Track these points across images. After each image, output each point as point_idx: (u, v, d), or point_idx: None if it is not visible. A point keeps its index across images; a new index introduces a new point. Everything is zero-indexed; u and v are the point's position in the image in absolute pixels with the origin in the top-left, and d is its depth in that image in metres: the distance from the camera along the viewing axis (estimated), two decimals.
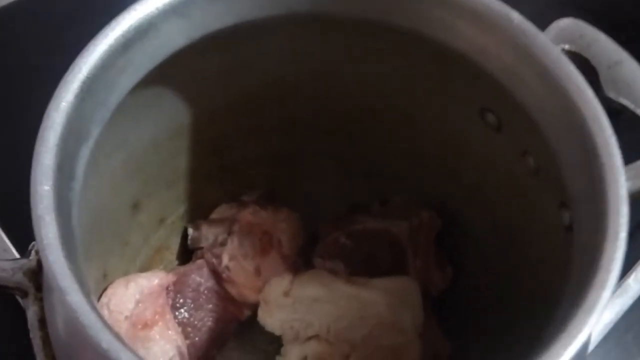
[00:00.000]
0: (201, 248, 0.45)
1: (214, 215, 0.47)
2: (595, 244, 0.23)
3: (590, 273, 0.22)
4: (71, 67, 0.25)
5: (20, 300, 0.29)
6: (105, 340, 0.19)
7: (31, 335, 0.28)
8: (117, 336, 0.20)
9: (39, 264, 0.29)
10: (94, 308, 0.20)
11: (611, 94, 0.32)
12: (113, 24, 0.27)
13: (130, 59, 0.28)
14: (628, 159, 0.32)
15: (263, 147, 0.45)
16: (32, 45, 0.61)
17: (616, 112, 0.32)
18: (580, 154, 0.26)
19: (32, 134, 0.56)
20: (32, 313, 0.28)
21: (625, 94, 0.31)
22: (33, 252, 0.29)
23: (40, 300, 0.28)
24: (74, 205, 0.24)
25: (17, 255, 0.45)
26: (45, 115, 0.24)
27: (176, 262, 0.47)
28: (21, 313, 0.45)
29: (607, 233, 0.23)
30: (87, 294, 0.21)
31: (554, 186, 0.31)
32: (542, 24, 0.33)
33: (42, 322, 0.27)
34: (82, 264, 0.23)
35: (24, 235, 0.48)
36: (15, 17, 0.63)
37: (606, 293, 0.22)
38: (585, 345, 0.25)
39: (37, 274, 0.29)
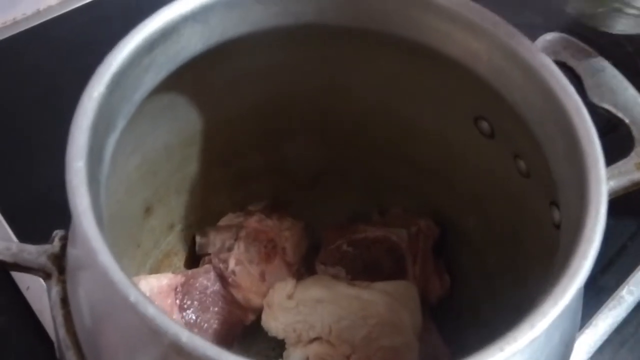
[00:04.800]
0: (208, 254, 0.47)
1: (221, 223, 0.49)
2: (577, 224, 0.25)
3: (573, 247, 0.24)
4: (103, 62, 0.28)
5: (43, 281, 0.31)
6: (133, 294, 0.21)
7: (53, 313, 0.30)
8: (144, 294, 0.22)
9: (62, 249, 0.31)
10: (122, 268, 0.22)
11: (595, 100, 0.34)
12: (140, 26, 0.29)
13: (154, 59, 0.30)
14: (611, 160, 0.35)
15: (268, 157, 0.47)
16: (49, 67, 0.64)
17: (600, 117, 0.34)
18: (565, 147, 0.28)
19: (33, 135, 0.59)
20: (54, 293, 0.30)
21: (607, 99, 0.34)
22: (56, 239, 0.32)
23: (62, 282, 0.30)
24: (101, 185, 0.27)
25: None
26: (79, 103, 0.26)
27: (184, 269, 0.49)
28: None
29: (589, 209, 0.25)
30: (114, 256, 0.23)
31: (545, 185, 0.34)
32: (531, 39, 0.36)
33: (64, 301, 0.29)
34: (108, 235, 0.25)
35: (24, 224, 0.51)
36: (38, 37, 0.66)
37: (588, 262, 0.24)
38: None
39: (60, 259, 0.31)
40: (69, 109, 0.27)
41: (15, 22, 0.68)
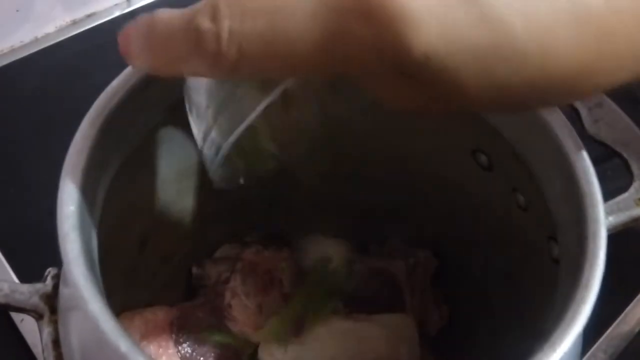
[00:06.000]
0: (205, 286, 0.47)
1: (218, 255, 0.49)
2: (576, 265, 0.25)
3: (572, 292, 0.24)
4: (96, 102, 0.27)
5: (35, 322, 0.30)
6: (124, 344, 0.21)
7: (44, 355, 0.29)
8: (135, 343, 0.21)
9: (55, 288, 0.31)
10: (113, 316, 0.22)
11: (593, 134, 0.34)
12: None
13: (149, 97, 0.30)
14: (610, 195, 0.34)
15: (264, 188, 0.46)
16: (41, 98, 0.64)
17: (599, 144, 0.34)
18: (563, 186, 0.28)
19: (29, 163, 0.59)
20: (46, 334, 0.29)
21: (605, 133, 0.34)
22: (49, 278, 0.31)
23: (54, 322, 0.30)
24: (93, 228, 0.26)
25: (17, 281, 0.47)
26: (72, 143, 0.26)
27: (180, 301, 0.48)
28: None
29: (587, 254, 0.24)
30: (106, 304, 0.22)
31: (543, 220, 0.33)
32: None
33: (56, 342, 0.29)
34: (100, 280, 0.24)
35: (24, 262, 0.51)
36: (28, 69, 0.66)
37: (586, 308, 0.23)
38: None
39: (52, 298, 0.30)
40: (67, 137, 0.27)
41: (13, 50, 0.68)
